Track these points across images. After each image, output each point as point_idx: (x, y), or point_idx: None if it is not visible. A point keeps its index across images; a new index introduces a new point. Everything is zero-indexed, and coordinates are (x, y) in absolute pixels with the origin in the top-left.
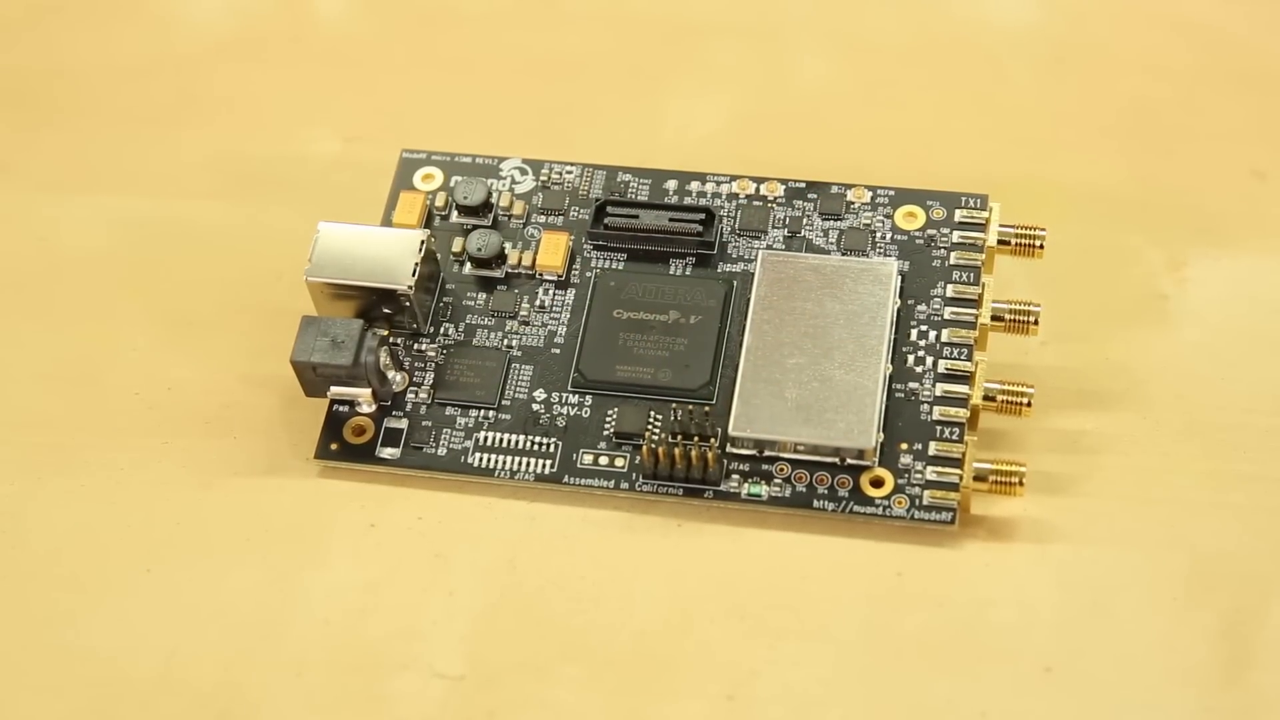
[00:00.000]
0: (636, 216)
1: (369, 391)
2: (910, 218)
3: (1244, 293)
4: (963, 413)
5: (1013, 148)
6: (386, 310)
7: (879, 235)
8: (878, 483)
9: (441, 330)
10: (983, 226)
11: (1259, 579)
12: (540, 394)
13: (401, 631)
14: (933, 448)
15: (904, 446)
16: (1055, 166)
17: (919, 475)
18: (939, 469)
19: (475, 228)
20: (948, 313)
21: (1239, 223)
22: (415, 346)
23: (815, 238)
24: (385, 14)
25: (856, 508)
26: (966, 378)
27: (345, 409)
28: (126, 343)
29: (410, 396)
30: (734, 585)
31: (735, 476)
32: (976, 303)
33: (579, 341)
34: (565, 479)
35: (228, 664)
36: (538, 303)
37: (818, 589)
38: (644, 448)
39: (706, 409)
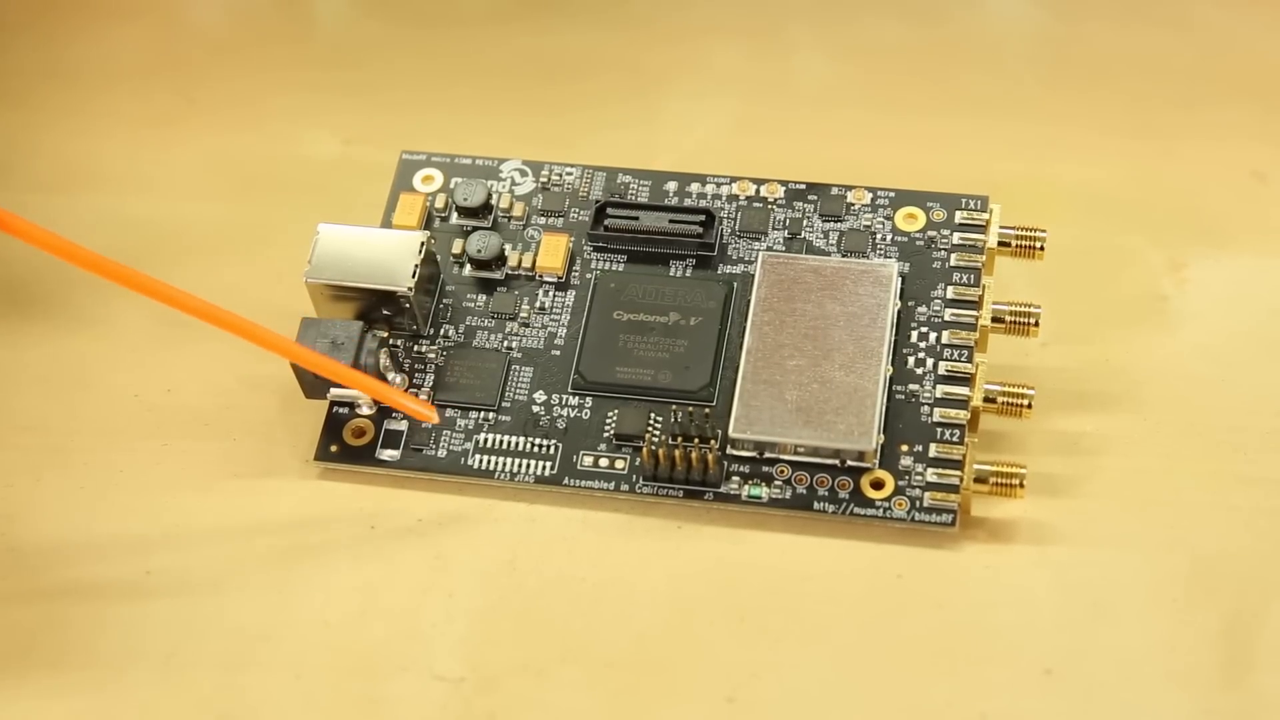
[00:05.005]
0: (637, 218)
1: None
2: (910, 219)
3: (1245, 294)
4: (963, 414)
5: (1013, 148)
6: (386, 312)
7: (879, 237)
8: (878, 485)
9: (441, 332)
10: (983, 228)
11: (1259, 581)
12: (540, 396)
13: (401, 633)
14: (933, 449)
15: (904, 448)
16: (1055, 166)
17: (919, 477)
18: (939, 471)
19: (475, 229)
20: (948, 314)
21: (1239, 224)
22: (415, 348)
23: (815, 239)
24: (385, 15)
25: (857, 510)
26: (967, 379)
27: (345, 411)
28: (126, 344)
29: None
30: (734, 587)
31: (735, 478)
32: (977, 304)
33: (579, 343)
34: (565, 481)
35: (227, 666)
36: (538, 304)
37: (818, 591)
38: (644, 449)
39: (707, 411)
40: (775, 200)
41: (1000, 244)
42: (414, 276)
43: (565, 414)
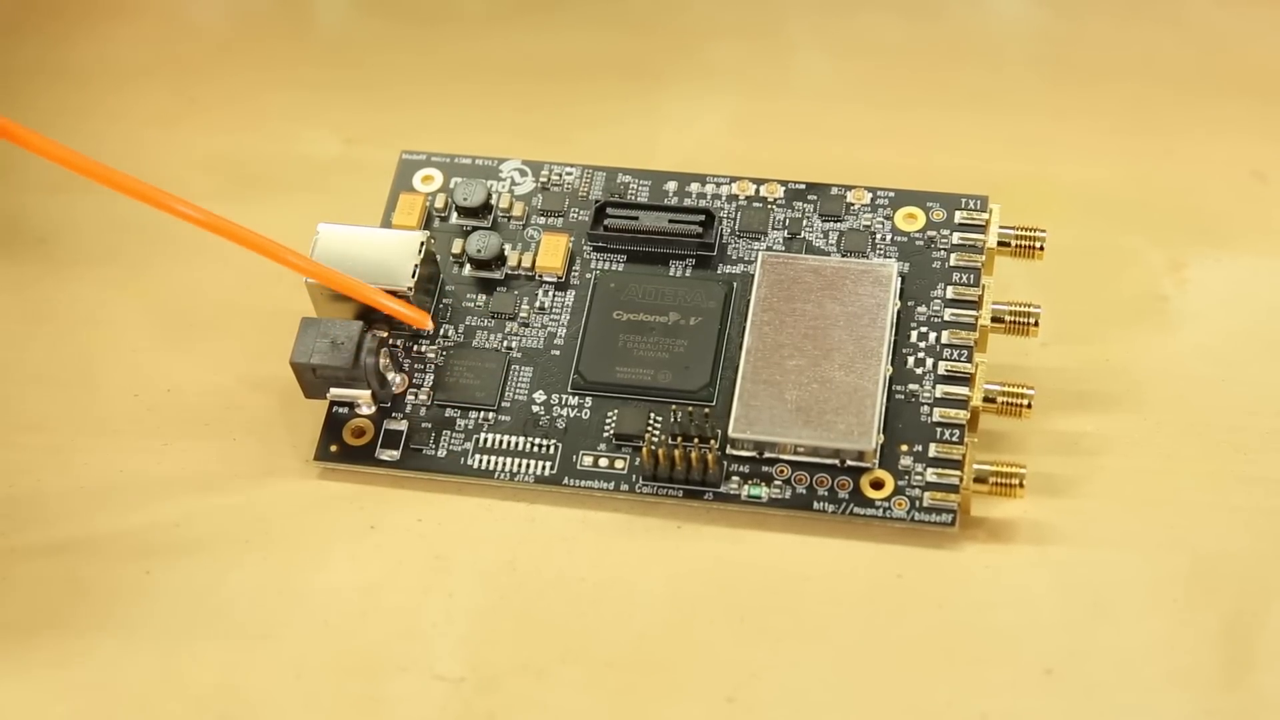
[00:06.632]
0: (636, 218)
1: (368, 393)
2: (910, 219)
3: (1245, 294)
4: (963, 414)
5: (1013, 148)
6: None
7: (879, 237)
8: (878, 484)
9: (441, 332)
10: (983, 228)
11: (1260, 581)
12: (540, 396)
13: (401, 633)
14: (933, 449)
15: (904, 448)
16: (1055, 166)
17: (919, 477)
18: (939, 471)
19: (475, 229)
20: (948, 314)
21: (1240, 224)
22: (415, 348)
23: (815, 239)
24: (385, 15)
25: (856, 509)
26: (966, 379)
27: (345, 410)
28: (126, 344)
29: (410, 398)
30: (734, 587)
31: (735, 478)
32: (976, 304)
33: (579, 343)
34: (565, 481)
35: (227, 666)
36: (537, 304)
37: (818, 591)
38: (644, 449)
39: (706, 411)
40: (775, 200)
41: (1000, 244)
42: (414, 276)
43: (565, 414)
